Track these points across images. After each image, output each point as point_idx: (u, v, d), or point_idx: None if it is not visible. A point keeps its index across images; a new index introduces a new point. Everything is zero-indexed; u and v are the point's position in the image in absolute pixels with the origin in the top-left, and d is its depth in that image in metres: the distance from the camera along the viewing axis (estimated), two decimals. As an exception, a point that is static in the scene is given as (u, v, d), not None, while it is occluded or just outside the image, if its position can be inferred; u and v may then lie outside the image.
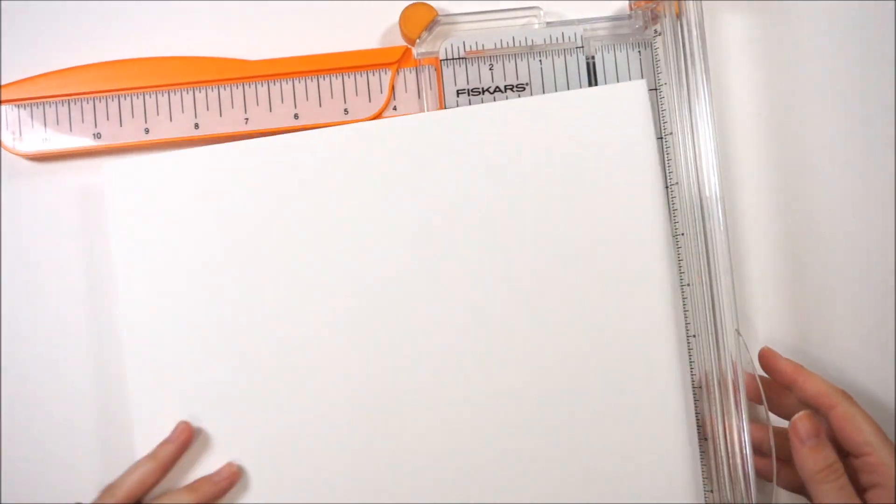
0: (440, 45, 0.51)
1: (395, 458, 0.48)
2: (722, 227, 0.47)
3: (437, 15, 0.50)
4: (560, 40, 0.50)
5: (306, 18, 0.52)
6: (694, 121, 0.48)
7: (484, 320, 0.49)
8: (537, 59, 0.51)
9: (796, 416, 0.45)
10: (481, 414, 0.48)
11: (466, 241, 0.49)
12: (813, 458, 0.44)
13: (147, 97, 0.50)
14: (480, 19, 0.51)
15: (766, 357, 0.48)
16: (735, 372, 0.47)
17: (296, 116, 0.50)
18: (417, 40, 0.50)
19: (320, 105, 0.50)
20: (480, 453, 0.48)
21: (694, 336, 0.49)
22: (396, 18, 0.50)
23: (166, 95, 0.50)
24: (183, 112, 0.50)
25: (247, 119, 0.50)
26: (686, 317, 0.49)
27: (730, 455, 0.47)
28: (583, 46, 0.50)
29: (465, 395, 0.48)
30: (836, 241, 0.52)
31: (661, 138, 0.50)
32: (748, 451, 0.46)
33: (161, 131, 0.50)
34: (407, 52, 0.51)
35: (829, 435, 0.45)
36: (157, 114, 0.50)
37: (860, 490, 0.44)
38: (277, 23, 0.52)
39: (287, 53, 0.51)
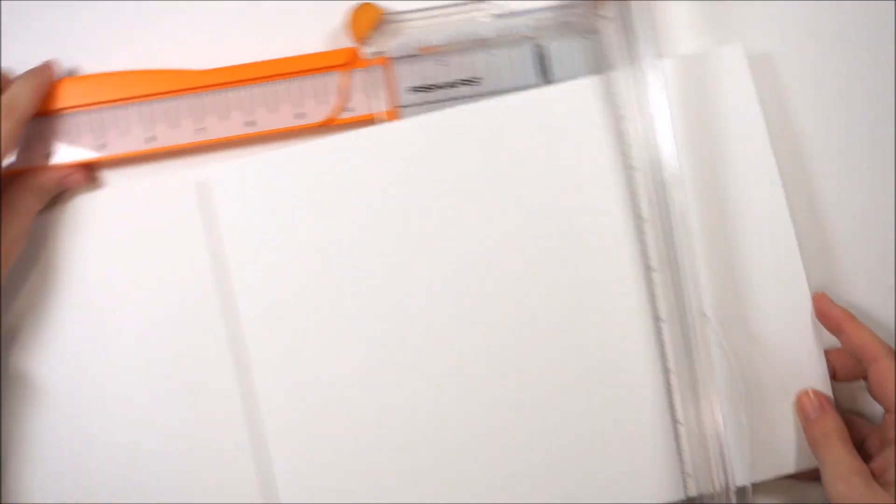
0: (390, 44, 0.50)
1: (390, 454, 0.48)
2: (683, 210, 0.47)
3: (385, 14, 0.50)
4: (510, 32, 0.50)
5: (248, 25, 0.52)
6: (645, 104, 0.47)
7: (459, 318, 0.48)
8: (489, 52, 0.50)
9: (800, 392, 0.47)
10: (456, 401, 0.48)
11: (443, 240, 0.49)
12: (817, 427, 0.46)
13: (103, 112, 0.50)
14: (429, 16, 0.50)
15: (819, 302, 0.48)
16: (705, 355, 0.47)
17: (250, 124, 0.50)
18: (367, 40, 0.50)
19: (274, 111, 0.50)
20: (458, 438, 0.48)
21: (664, 321, 0.48)
22: (341, 20, 0.50)
23: (116, 111, 0.50)
24: (140, 124, 0.50)
25: (202, 129, 0.50)
26: (655, 302, 0.49)
27: (704, 437, 0.46)
28: (533, 37, 0.50)
29: (438, 383, 0.48)
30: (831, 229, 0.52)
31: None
32: (723, 432, 0.46)
33: (117, 146, 0.50)
34: (354, 52, 0.51)
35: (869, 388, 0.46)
36: (116, 127, 0.50)
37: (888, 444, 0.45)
38: (220, 31, 0.52)
39: (234, 61, 0.50)
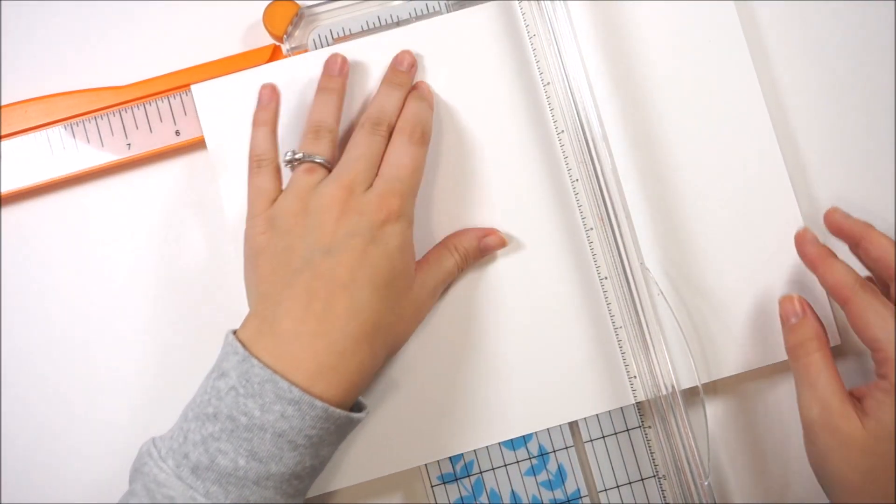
0: (308, 37, 0.51)
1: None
2: (610, 168, 0.48)
3: (300, 8, 0.50)
4: (424, 12, 0.51)
5: (160, 35, 0.53)
6: (566, 68, 0.48)
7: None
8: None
9: (783, 296, 0.47)
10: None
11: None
12: (796, 334, 0.45)
13: (31, 136, 0.50)
14: (343, 5, 0.51)
15: (832, 215, 0.47)
16: (649, 306, 0.48)
17: (177, 133, 0.50)
18: (285, 36, 0.50)
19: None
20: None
21: (606, 278, 0.49)
22: (254, 19, 0.50)
23: (46, 133, 0.50)
24: (64, 149, 0.50)
25: (129, 144, 0.50)
26: (595, 260, 0.49)
27: (656, 388, 0.47)
28: (448, 13, 0.51)
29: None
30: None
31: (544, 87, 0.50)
32: (675, 381, 0.47)
33: (49, 171, 0.50)
34: (276, 49, 0.51)
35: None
36: (52, 151, 0.50)
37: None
38: (139, 45, 0.53)
39: (153, 72, 0.51)
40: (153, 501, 0.40)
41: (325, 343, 0.42)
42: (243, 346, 0.42)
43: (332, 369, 0.42)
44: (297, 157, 0.46)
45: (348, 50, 0.50)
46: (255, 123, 0.48)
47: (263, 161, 0.47)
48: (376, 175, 0.45)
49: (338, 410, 0.41)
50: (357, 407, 0.45)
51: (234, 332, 0.43)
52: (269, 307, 0.43)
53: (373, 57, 0.50)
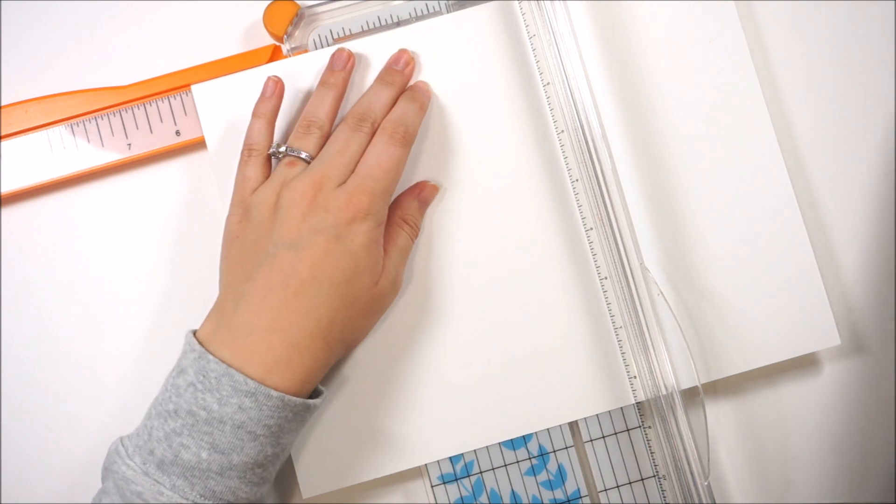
0: (308, 38, 0.51)
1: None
2: (610, 168, 0.48)
3: (301, 8, 0.50)
4: (424, 12, 0.51)
5: (160, 35, 0.53)
6: (565, 68, 0.48)
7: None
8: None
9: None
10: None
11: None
12: None
13: (31, 136, 0.50)
14: (344, 5, 0.51)
15: None
16: (649, 306, 0.48)
17: (178, 133, 0.50)
18: (285, 36, 0.50)
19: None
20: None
21: (606, 278, 0.49)
22: (254, 19, 0.50)
23: (47, 133, 0.50)
24: (64, 149, 0.50)
25: (129, 144, 0.50)
26: (595, 260, 0.49)
27: (656, 388, 0.47)
28: (448, 13, 0.51)
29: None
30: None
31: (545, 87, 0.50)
32: (675, 381, 0.47)
33: (49, 171, 0.50)
34: (276, 49, 0.51)
35: None
36: (52, 151, 0.50)
37: None
38: (134, 45, 0.53)
39: (153, 72, 0.51)
40: (123, 499, 0.41)
41: (280, 337, 0.43)
42: (200, 343, 0.43)
43: (287, 363, 0.43)
44: (280, 150, 0.47)
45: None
46: (254, 114, 0.48)
47: (254, 151, 0.47)
48: (353, 172, 0.46)
49: (294, 398, 0.42)
50: (314, 394, 0.45)
51: (195, 332, 0.44)
52: (229, 300, 0.44)
53: (373, 57, 0.50)
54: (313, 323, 0.43)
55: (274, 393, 0.42)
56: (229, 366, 0.42)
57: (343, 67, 0.48)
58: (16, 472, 0.50)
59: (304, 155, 0.46)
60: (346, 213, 0.44)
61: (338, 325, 0.44)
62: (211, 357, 0.42)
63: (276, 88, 0.48)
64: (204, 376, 0.42)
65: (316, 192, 0.45)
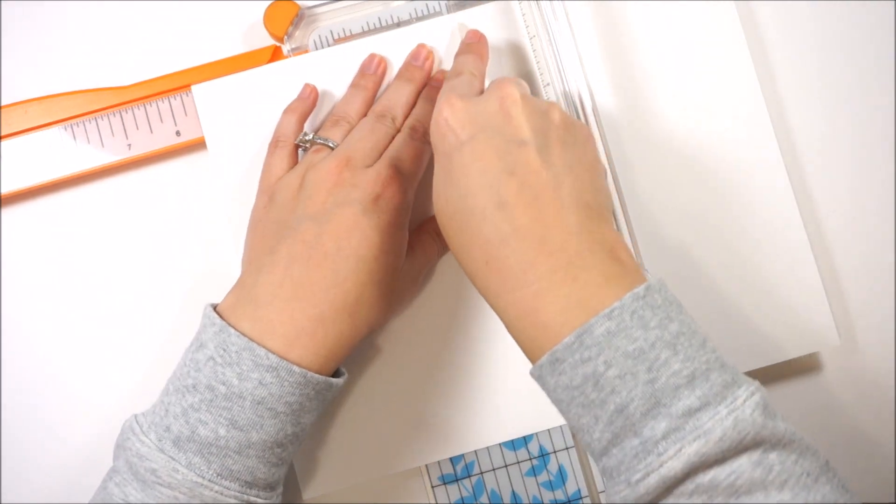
0: (309, 38, 0.51)
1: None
2: (609, 168, 0.48)
3: (301, 8, 0.50)
4: (425, 12, 0.51)
5: (161, 35, 0.53)
6: (563, 72, 0.48)
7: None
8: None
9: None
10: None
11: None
12: None
13: (31, 136, 0.50)
14: (344, 6, 0.51)
15: None
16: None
17: (178, 133, 0.50)
18: (285, 37, 0.50)
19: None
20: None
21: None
22: (254, 19, 0.50)
23: (47, 133, 0.50)
24: (64, 149, 0.50)
25: (129, 145, 0.50)
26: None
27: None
28: (448, 14, 0.51)
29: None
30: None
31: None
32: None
33: (49, 171, 0.50)
34: (277, 49, 0.51)
35: None
36: (52, 151, 0.50)
37: None
38: (134, 45, 0.53)
39: (154, 73, 0.51)
40: (136, 477, 0.40)
41: (302, 307, 0.41)
42: (220, 317, 0.42)
43: (310, 335, 0.41)
44: (308, 138, 0.47)
45: (349, 50, 0.50)
46: (287, 110, 0.48)
47: (281, 142, 0.47)
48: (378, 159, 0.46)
49: (317, 375, 0.41)
50: (336, 374, 0.44)
51: (214, 306, 0.43)
52: (251, 274, 0.43)
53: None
54: (339, 296, 0.42)
55: (296, 368, 0.40)
56: (250, 339, 0.41)
57: (374, 71, 0.49)
58: (16, 471, 0.50)
59: (331, 143, 0.46)
60: (374, 188, 0.44)
61: (365, 304, 0.43)
62: (232, 330, 0.41)
63: (312, 94, 0.49)
64: (224, 350, 0.41)
65: (342, 169, 0.44)
